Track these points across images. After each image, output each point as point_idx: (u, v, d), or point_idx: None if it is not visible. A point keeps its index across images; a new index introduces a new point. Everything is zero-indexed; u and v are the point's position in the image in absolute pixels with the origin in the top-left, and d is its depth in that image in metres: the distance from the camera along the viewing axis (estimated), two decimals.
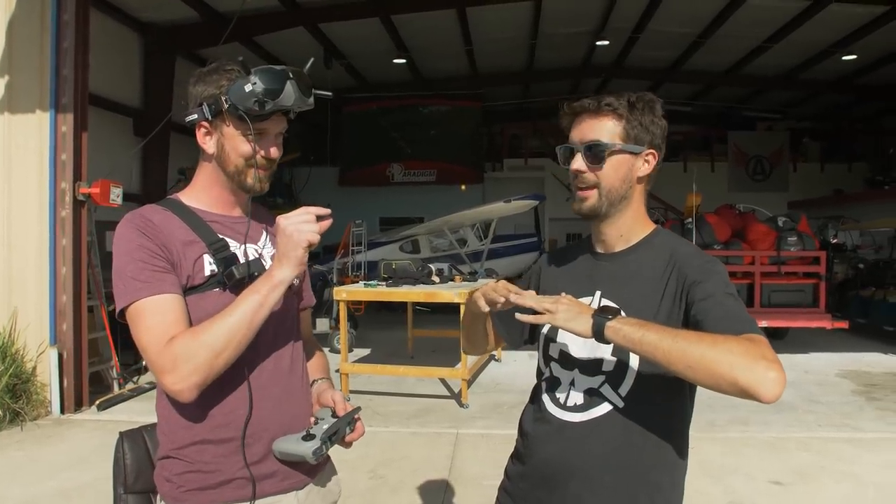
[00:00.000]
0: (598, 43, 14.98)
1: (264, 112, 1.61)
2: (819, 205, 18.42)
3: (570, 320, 1.49)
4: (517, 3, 12.43)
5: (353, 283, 10.56)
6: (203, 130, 1.69)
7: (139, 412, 6.60)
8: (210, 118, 1.65)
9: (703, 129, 20.86)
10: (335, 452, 1.79)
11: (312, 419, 1.78)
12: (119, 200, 7.03)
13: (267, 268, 1.68)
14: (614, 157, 1.65)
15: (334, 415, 1.75)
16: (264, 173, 1.71)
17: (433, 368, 7.94)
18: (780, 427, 6.24)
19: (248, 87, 1.59)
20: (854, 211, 16.90)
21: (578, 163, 1.66)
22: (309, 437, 1.65)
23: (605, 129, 1.64)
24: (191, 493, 1.62)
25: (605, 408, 1.63)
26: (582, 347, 1.67)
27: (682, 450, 1.67)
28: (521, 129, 21.47)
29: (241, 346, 1.56)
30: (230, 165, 1.68)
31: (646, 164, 1.69)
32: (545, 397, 1.74)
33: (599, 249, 1.77)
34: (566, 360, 1.71)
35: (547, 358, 1.78)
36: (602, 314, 1.47)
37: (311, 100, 1.67)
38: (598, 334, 1.47)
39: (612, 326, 1.45)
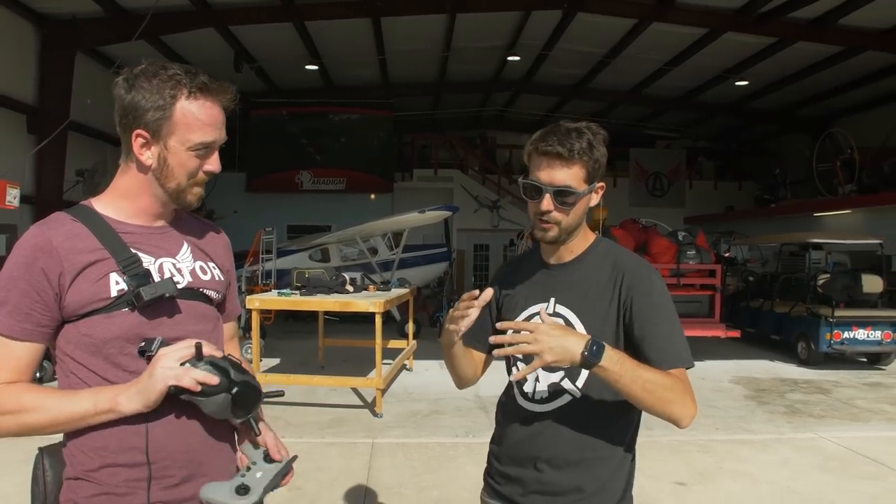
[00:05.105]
0: (509, 58, 15.32)
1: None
2: (713, 220, 19.45)
3: (558, 356, 1.59)
4: (431, 16, 12.61)
5: (264, 291, 10.36)
6: (140, 141, 1.55)
7: None
8: (152, 131, 1.55)
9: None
10: None
11: (239, 455, 1.68)
12: (16, 202, 6.71)
13: (182, 282, 1.62)
14: (580, 201, 1.79)
15: (267, 457, 1.61)
16: (201, 189, 1.64)
17: (346, 378, 7.90)
18: (681, 431, 6.46)
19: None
20: (744, 227, 17.96)
21: (547, 204, 1.77)
22: (243, 489, 1.50)
23: (575, 176, 1.75)
24: None
25: (566, 398, 1.84)
26: None
27: (632, 433, 1.95)
28: (430, 140, 21.63)
29: (50, 433, 1.52)
30: (172, 182, 1.58)
31: (596, 195, 1.85)
32: (515, 391, 1.93)
33: (551, 261, 1.93)
34: (529, 360, 1.75)
35: (513, 359, 1.93)
36: (593, 355, 1.59)
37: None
38: (586, 366, 1.63)
39: (604, 367, 1.61)
